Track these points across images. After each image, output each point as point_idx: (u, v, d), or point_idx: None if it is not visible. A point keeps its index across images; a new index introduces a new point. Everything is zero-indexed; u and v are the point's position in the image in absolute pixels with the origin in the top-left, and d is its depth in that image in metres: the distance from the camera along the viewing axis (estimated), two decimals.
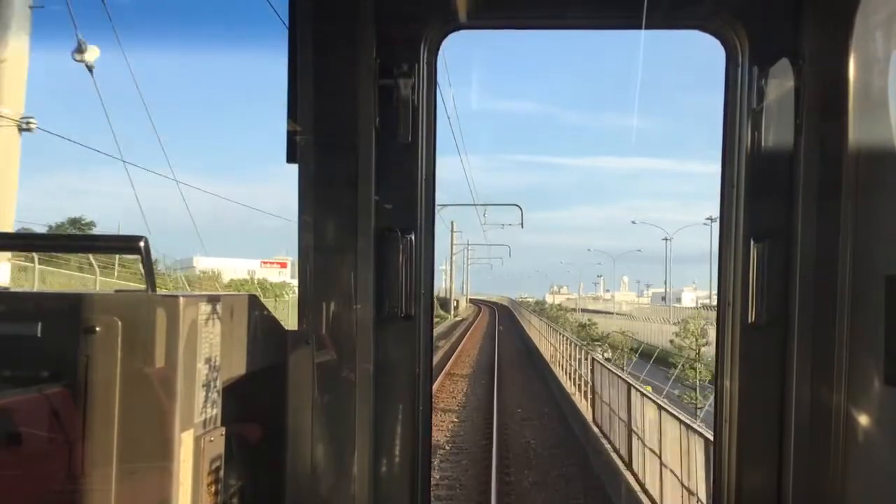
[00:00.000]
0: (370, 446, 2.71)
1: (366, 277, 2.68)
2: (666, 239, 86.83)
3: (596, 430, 21.35)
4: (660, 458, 13.92)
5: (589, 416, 23.06)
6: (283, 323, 2.75)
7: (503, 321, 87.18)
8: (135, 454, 2.01)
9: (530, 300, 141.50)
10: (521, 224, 62.20)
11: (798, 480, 2.64)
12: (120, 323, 2.00)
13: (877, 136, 2.58)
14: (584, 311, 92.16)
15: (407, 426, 2.78)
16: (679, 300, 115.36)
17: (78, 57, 14.57)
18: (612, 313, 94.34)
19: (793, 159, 2.67)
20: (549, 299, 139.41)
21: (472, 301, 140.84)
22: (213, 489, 2.23)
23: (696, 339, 31.35)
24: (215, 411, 2.24)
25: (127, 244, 2.22)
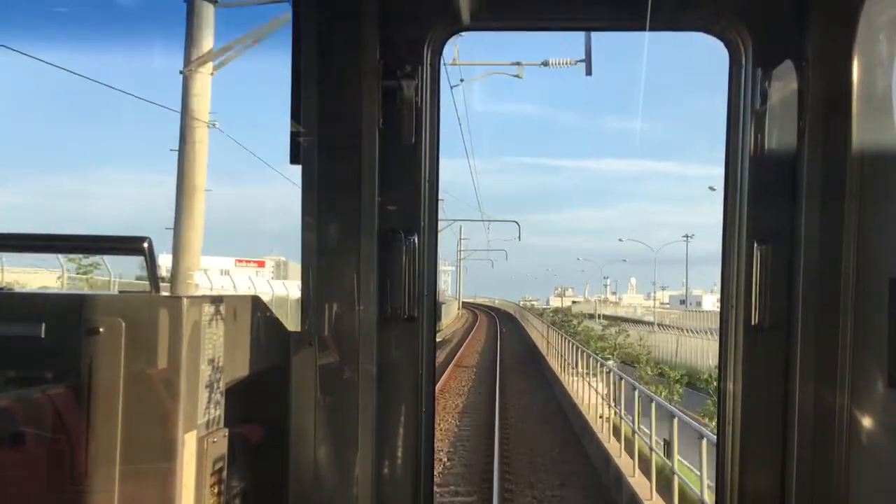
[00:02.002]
0: (373, 448, 2.71)
1: (368, 279, 2.69)
2: (686, 236, 78.35)
3: None
4: None
5: None
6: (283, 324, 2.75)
7: (509, 345, 53.23)
8: (138, 455, 2.01)
9: (535, 303, 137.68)
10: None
11: (801, 483, 2.63)
12: (123, 324, 2.01)
13: (881, 139, 2.57)
14: (603, 317, 74.78)
15: (410, 427, 2.79)
16: (699, 304, 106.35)
17: None
18: (650, 323, 69.81)
19: (796, 161, 2.66)
20: (553, 302, 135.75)
21: (465, 306, 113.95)
22: (215, 490, 2.23)
23: None
24: (218, 412, 2.25)
25: (130, 245, 2.23)
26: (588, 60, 25.60)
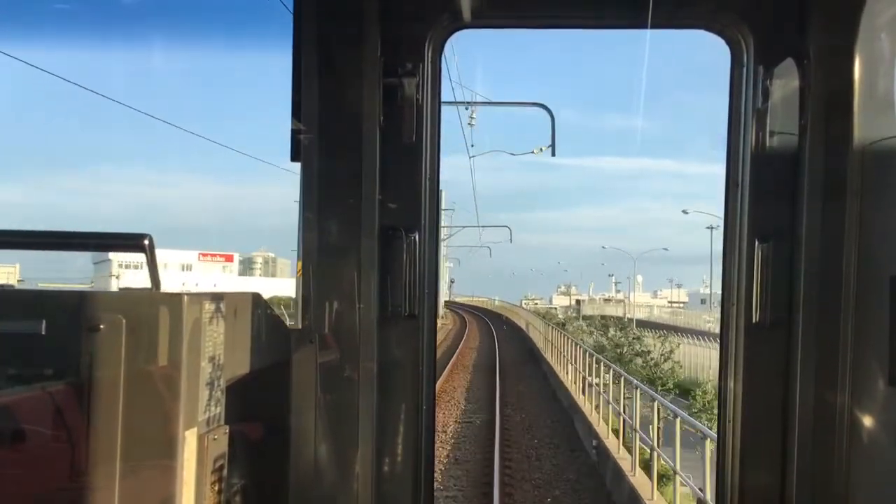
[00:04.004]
0: (373, 445, 2.71)
1: (369, 276, 2.69)
2: (711, 227, 63.29)
3: None
4: None
5: None
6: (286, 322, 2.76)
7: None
8: (138, 452, 2.01)
9: (539, 302, 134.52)
10: None
11: (802, 481, 2.63)
12: (124, 321, 2.00)
13: (882, 136, 2.57)
14: (645, 325, 53.06)
15: (410, 425, 2.79)
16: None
17: None
18: (703, 333, 44.74)
19: (797, 159, 2.66)
20: (557, 301, 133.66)
21: (454, 308, 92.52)
22: (216, 487, 2.23)
23: None
24: (219, 409, 2.25)
25: (131, 242, 2.23)
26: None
